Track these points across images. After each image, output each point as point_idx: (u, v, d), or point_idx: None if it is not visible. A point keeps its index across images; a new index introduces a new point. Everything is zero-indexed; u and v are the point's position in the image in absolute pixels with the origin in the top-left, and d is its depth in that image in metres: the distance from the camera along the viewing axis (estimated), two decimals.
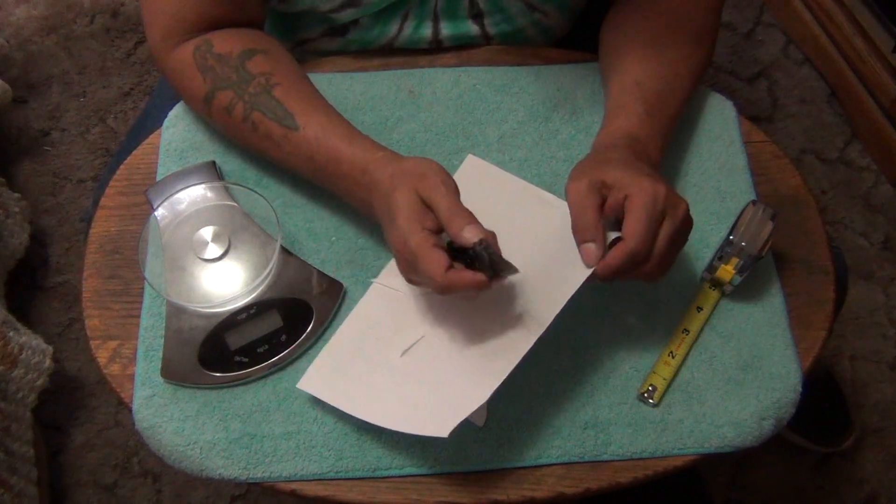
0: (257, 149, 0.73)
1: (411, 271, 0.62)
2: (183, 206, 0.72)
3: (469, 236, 0.59)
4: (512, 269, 0.61)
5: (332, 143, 0.68)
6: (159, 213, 0.72)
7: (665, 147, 0.72)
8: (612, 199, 0.62)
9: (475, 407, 0.60)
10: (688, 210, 0.63)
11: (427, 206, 0.61)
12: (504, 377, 0.61)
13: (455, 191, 0.62)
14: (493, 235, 0.61)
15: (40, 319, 1.39)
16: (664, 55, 0.74)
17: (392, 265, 0.71)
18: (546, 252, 0.66)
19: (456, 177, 0.75)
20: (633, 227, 0.60)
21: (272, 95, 0.70)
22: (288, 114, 0.69)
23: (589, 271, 0.62)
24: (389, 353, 0.67)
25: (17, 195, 1.38)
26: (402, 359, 0.66)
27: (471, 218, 0.60)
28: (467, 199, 0.74)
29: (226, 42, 0.72)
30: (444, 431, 0.59)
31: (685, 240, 0.65)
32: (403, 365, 0.66)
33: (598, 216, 0.62)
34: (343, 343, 0.68)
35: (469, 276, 0.59)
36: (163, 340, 0.68)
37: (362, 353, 0.67)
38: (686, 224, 0.63)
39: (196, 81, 0.72)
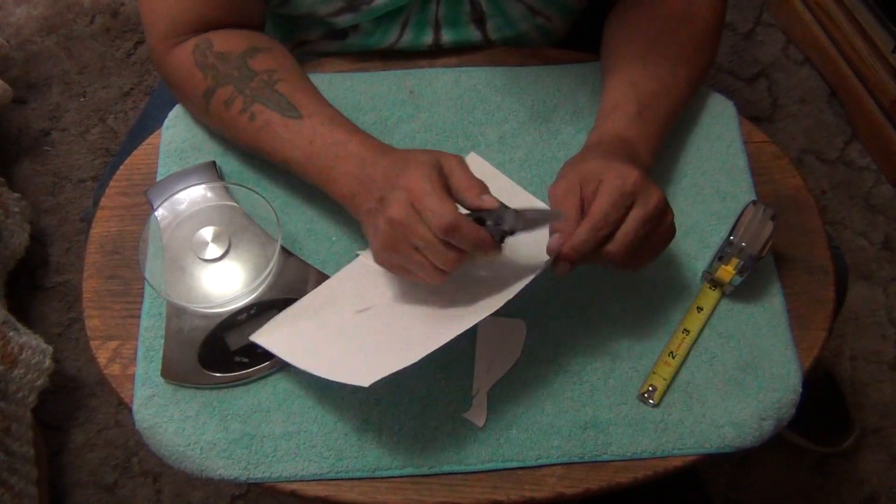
0: (249, 139, 0.71)
1: (414, 220, 0.59)
2: (183, 207, 0.72)
3: (490, 199, 0.59)
4: (545, 217, 0.61)
5: (337, 129, 0.68)
6: (159, 213, 0.72)
7: (657, 150, 0.71)
8: (587, 190, 0.62)
9: (403, 364, 0.60)
10: (663, 201, 0.62)
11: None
12: (438, 345, 0.61)
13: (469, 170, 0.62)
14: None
15: (40, 319, 1.39)
16: (663, 56, 0.74)
17: None
18: (528, 257, 0.66)
19: None
20: (597, 204, 0.60)
21: (275, 90, 0.70)
22: (291, 105, 0.69)
23: (544, 259, 0.62)
24: (343, 312, 0.67)
25: (17, 195, 1.38)
26: (352, 318, 0.66)
27: (487, 188, 0.61)
28: None
29: (227, 41, 0.72)
30: (365, 382, 0.59)
31: (662, 233, 0.63)
32: (352, 322, 0.66)
33: (575, 212, 0.62)
34: (306, 306, 0.68)
35: (479, 230, 0.59)
36: (163, 341, 0.68)
37: (319, 315, 0.67)
38: (658, 213, 0.62)
39: (196, 79, 0.72)
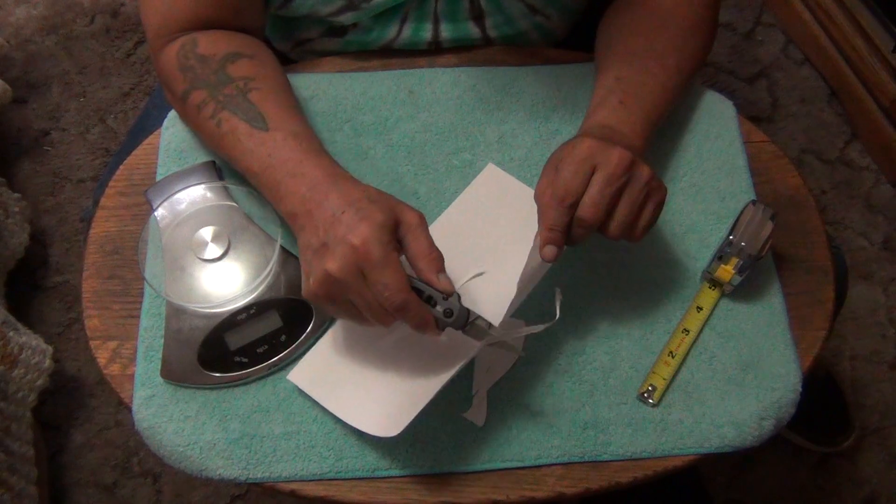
0: (216, 145, 0.70)
1: (356, 281, 0.57)
2: (183, 207, 0.72)
3: (446, 281, 0.59)
4: (493, 338, 0.60)
5: (298, 145, 0.65)
6: (159, 213, 0.72)
7: (647, 133, 0.69)
8: None
9: (423, 404, 0.61)
10: (626, 157, 0.61)
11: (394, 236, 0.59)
12: (445, 382, 0.61)
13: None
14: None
15: (40, 319, 1.39)
16: (651, 48, 0.73)
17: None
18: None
19: (474, 184, 0.75)
20: (557, 177, 0.61)
21: (247, 98, 0.68)
22: (259, 116, 0.67)
23: (537, 256, 0.62)
24: (367, 344, 0.67)
25: (17, 195, 1.38)
26: (377, 359, 0.66)
27: (443, 262, 0.59)
28: (481, 209, 0.73)
29: (212, 43, 0.72)
30: (393, 431, 0.60)
31: (640, 189, 0.61)
32: (379, 362, 0.66)
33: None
34: (338, 339, 0.68)
35: (426, 315, 0.58)
36: (162, 341, 0.68)
37: (352, 352, 0.67)
38: (622, 169, 0.60)
39: (177, 80, 0.71)
